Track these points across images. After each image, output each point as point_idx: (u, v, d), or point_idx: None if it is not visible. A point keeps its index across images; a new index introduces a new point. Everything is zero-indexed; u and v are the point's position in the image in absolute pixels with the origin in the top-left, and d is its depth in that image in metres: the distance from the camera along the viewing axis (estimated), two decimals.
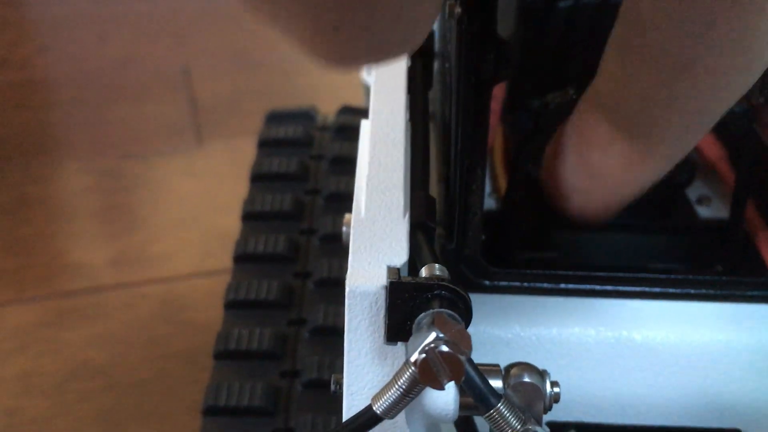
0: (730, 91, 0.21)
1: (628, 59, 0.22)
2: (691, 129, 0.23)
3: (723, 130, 0.29)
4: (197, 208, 0.62)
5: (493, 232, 0.30)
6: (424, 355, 0.18)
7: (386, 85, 0.28)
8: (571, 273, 0.28)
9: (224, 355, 0.32)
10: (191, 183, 0.65)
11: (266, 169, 0.40)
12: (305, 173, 0.40)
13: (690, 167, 0.32)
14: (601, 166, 0.25)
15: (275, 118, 0.44)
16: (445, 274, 0.21)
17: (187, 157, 0.68)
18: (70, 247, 0.58)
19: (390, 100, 0.27)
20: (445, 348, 0.18)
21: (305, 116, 0.44)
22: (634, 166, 0.25)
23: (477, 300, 0.27)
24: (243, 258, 0.36)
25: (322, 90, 0.75)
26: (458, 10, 0.24)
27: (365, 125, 0.27)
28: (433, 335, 0.18)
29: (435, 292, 0.20)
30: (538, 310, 0.27)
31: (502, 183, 0.32)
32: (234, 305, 0.34)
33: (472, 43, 0.24)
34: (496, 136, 0.34)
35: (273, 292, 0.34)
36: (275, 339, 0.32)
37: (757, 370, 0.26)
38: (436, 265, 0.22)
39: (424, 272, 0.22)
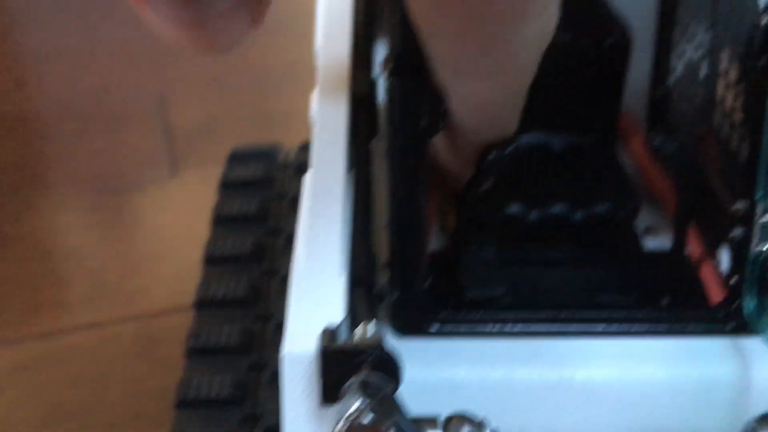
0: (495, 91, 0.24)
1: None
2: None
3: (666, 161, 0.29)
4: (172, 242, 0.62)
5: (442, 272, 0.30)
6: (348, 425, 0.19)
7: (327, 134, 0.28)
8: (516, 315, 0.28)
9: (185, 404, 0.32)
10: (166, 216, 0.65)
11: (227, 211, 0.40)
12: (266, 214, 0.40)
13: (635, 199, 0.33)
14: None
15: (237, 157, 0.45)
16: (380, 334, 0.22)
17: (162, 189, 0.68)
18: (45, 287, 0.58)
19: (330, 149, 0.28)
20: (367, 418, 0.19)
21: (267, 155, 0.45)
22: None
23: (423, 345, 0.28)
24: (204, 303, 0.36)
25: (297, 115, 0.75)
26: (391, 64, 0.24)
27: (307, 178, 0.27)
28: (357, 404, 0.19)
29: (364, 356, 0.21)
30: (485, 353, 0.28)
31: (453, 221, 0.33)
32: (195, 352, 0.34)
33: (406, 96, 0.25)
34: None
35: (234, 337, 0.34)
36: (235, 385, 0.33)
37: (699, 405, 0.27)
38: (371, 324, 0.22)
39: (358, 332, 0.22)
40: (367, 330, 0.23)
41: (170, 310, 0.55)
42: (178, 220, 0.64)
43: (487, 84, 0.23)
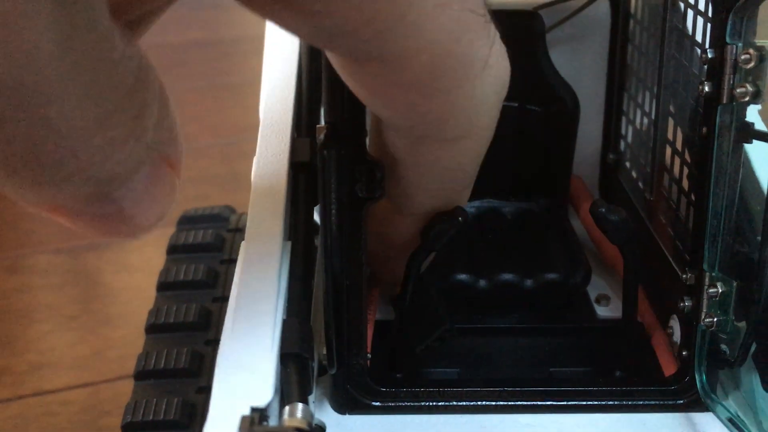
0: (459, 155, 0.23)
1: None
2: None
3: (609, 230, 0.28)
4: (128, 305, 0.60)
5: (386, 343, 0.29)
6: None
7: (264, 201, 0.28)
8: (463, 388, 0.27)
9: None
10: (122, 278, 0.64)
11: (172, 277, 0.39)
12: (214, 280, 0.39)
13: (586, 267, 0.32)
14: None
15: (187, 221, 0.44)
16: (308, 416, 0.21)
17: (120, 251, 0.67)
18: None
19: (267, 217, 0.27)
20: None
21: (218, 218, 0.44)
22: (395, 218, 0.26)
23: (366, 421, 0.27)
24: (144, 375, 0.35)
25: None
26: (323, 135, 0.24)
27: (241, 248, 0.26)
28: None
29: None
30: (431, 429, 0.27)
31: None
32: (132, 428, 0.32)
33: (341, 165, 0.24)
34: None
35: (171, 412, 0.32)
36: None
37: None
38: (300, 406, 0.21)
39: (286, 413, 0.21)
40: (296, 410, 0.21)
41: (120, 377, 0.53)
42: (134, 282, 0.62)
43: (451, 149, 0.22)
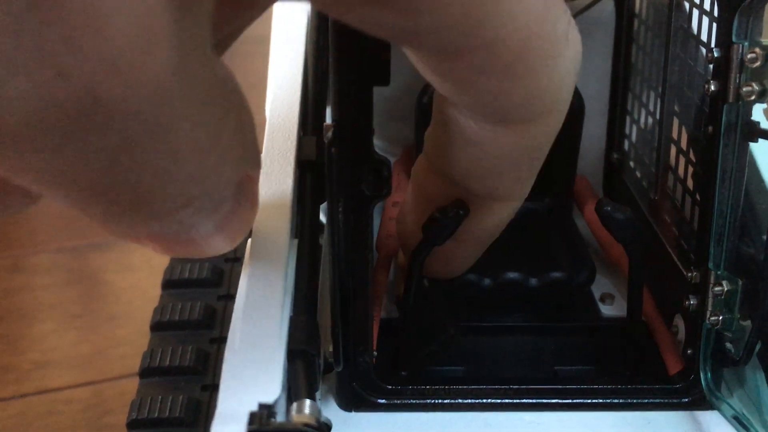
0: (539, 133, 0.22)
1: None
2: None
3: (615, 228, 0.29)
4: (131, 304, 0.60)
5: (391, 341, 0.29)
6: None
7: (271, 199, 0.28)
8: (467, 386, 0.27)
9: None
10: (125, 277, 0.64)
11: (177, 275, 0.39)
12: (218, 278, 0.39)
13: (590, 266, 0.32)
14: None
15: None
16: (315, 412, 0.21)
17: (122, 250, 0.67)
18: None
19: (274, 214, 0.27)
20: None
21: None
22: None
23: (372, 418, 0.27)
24: (149, 372, 0.35)
25: None
26: (330, 133, 0.24)
27: (248, 244, 0.26)
28: None
29: None
30: (436, 426, 0.27)
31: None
32: (137, 425, 0.33)
33: (348, 163, 0.24)
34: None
35: (176, 409, 0.33)
36: None
37: None
38: (307, 402, 0.21)
39: (294, 410, 0.21)
40: (304, 406, 0.22)
41: (123, 376, 0.53)
42: (137, 281, 0.62)
43: (533, 127, 0.22)
